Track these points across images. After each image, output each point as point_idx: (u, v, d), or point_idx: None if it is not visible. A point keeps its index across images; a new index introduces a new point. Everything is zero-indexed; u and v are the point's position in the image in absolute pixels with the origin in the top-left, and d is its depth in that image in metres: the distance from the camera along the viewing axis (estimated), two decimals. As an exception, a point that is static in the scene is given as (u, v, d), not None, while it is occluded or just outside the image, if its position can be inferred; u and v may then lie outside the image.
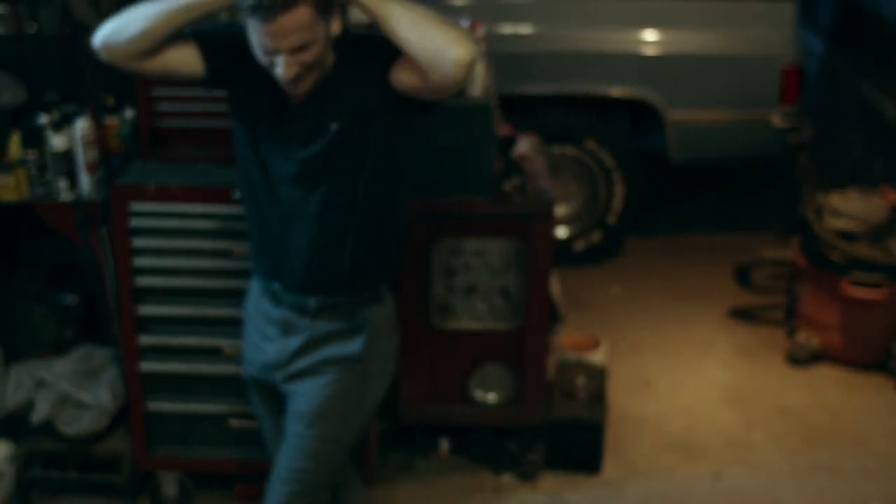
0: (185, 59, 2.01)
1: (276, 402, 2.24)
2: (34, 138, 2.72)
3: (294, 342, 2.14)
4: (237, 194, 2.45)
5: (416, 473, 3.02)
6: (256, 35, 1.87)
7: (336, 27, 1.94)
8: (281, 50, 1.85)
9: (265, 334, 2.19)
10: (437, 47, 1.86)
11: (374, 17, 1.92)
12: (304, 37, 1.85)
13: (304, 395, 2.14)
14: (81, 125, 2.70)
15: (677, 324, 3.89)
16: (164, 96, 2.71)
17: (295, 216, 2.06)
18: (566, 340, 3.30)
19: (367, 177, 2.03)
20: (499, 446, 3.04)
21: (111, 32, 1.99)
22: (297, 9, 1.81)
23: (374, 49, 1.99)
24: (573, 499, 2.94)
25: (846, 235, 3.54)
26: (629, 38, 4.00)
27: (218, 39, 2.02)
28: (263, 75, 1.95)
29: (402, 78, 1.95)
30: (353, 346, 2.13)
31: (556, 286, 3.13)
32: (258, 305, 2.21)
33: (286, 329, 2.15)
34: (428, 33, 1.86)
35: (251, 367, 2.26)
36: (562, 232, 4.22)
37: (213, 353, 2.72)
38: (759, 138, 4.05)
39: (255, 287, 2.24)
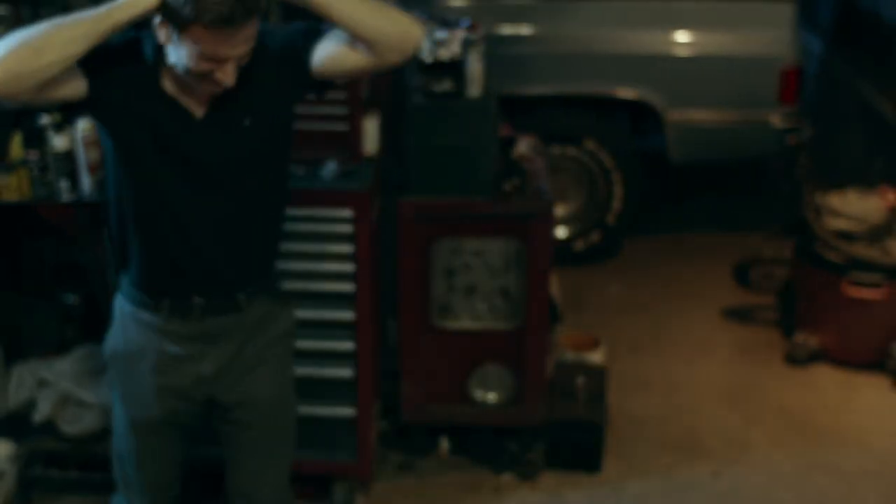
0: (75, 82, 1.87)
1: (180, 435, 2.20)
2: (36, 139, 2.71)
3: (231, 345, 2.08)
4: (110, 232, 2.13)
5: (415, 473, 3.03)
6: (202, 45, 1.80)
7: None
8: (231, 58, 1.84)
9: (176, 356, 2.07)
10: (400, 30, 1.92)
11: (321, 8, 1.90)
12: (251, 43, 1.86)
13: (260, 387, 2.13)
14: (83, 126, 2.69)
15: (677, 323, 3.90)
16: (165, 97, 2.72)
17: (209, 223, 1.99)
18: (566, 340, 3.31)
19: (276, 164, 2.06)
20: (499, 446, 3.04)
21: (17, 64, 1.75)
22: (253, 19, 1.82)
23: (280, 41, 1.99)
24: (573, 498, 2.94)
25: (845, 235, 3.55)
26: (629, 39, 4.00)
27: (97, 56, 1.86)
28: (153, 88, 1.91)
29: (344, 62, 1.96)
30: (284, 321, 2.17)
31: (555, 286, 3.14)
32: (142, 340, 2.08)
33: (206, 338, 2.07)
34: (387, 18, 1.91)
35: (148, 410, 2.12)
36: (561, 232, 4.23)
37: (213, 353, 2.73)
38: (758, 139, 4.06)
39: (128, 323, 2.09)
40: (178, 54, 1.85)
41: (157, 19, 1.84)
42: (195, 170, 1.96)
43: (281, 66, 1.98)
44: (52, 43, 1.77)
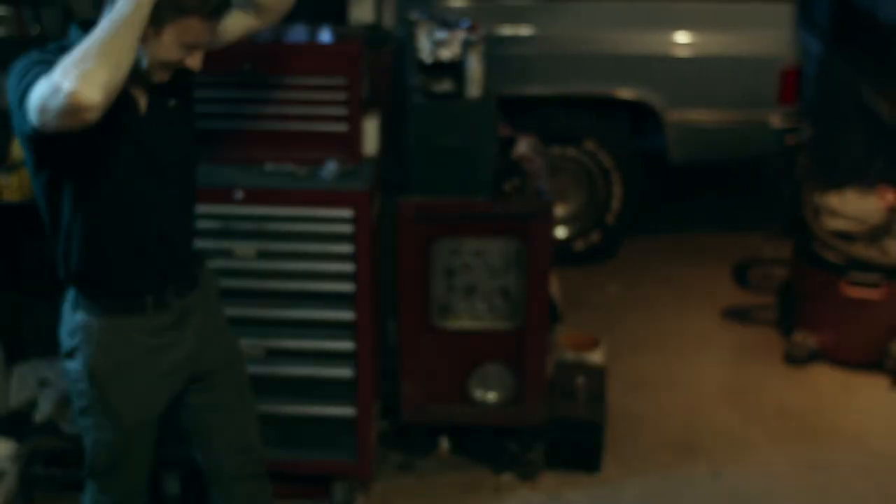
0: None
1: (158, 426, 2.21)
2: (37, 139, 2.74)
3: (198, 318, 2.15)
4: (67, 260, 2.08)
5: (415, 473, 3.03)
6: (193, 34, 1.90)
7: None
8: (204, 43, 1.95)
9: (162, 348, 2.11)
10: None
11: None
12: None
13: (227, 346, 2.26)
14: (84, 126, 2.72)
15: (676, 323, 3.91)
16: (166, 97, 2.73)
17: (168, 209, 2.06)
18: (565, 340, 3.32)
19: (193, 138, 2.14)
20: (499, 446, 3.04)
21: (109, 83, 1.74)
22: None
23: None
24: (573, 497, 2.95)
25: (844, 235, 3.56)
26: (629, 40, 4.01)
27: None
28: None
29: (233, 30, 2.18)
30: (213, 279, 2.29)
31: (555, 286, 3.15)
32: (126, 346, 2.07)
33: (182, 319, 2.12)
34: None
35: (147, 411, 2.14)
36: (561, 232, 4.24)
37: (214, 353, 2.74)
38: (757, 139, 4.07)
39: (105, 337, 2.06)
40: (149, 48, 1.89)
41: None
42: (152, 160, 2.01)
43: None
44: (121, 55, 1.77)
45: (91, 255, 2.03)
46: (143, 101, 1.99)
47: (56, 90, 1.71)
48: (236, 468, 2.30)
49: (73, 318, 2.11)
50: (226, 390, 2.25)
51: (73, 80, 1.70)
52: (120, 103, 1.87)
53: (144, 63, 1.91)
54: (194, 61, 1.96)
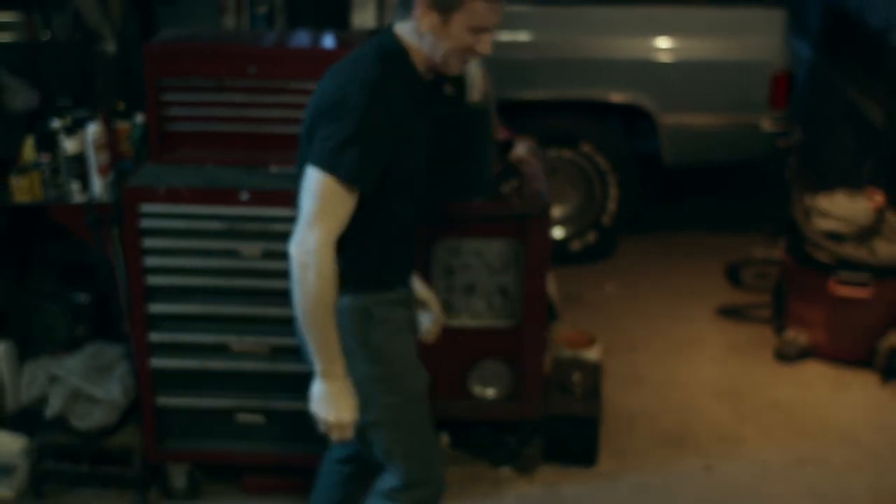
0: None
1: None
2: (48, 142, 2.77)
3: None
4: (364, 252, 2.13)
5: (416, 466, 3.08)
6: (481, 17, 1.96)
7: None
8: (492, 27, 1.99)
9: (412, 319, 2.28)
10: None
11: None
12: None
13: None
14: (93, 129, 2.75)
15: (670, 321, 3.94)
16: (174, 101, 2.74)
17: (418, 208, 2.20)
18: (562, 337, 3.32)
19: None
20: (497, 440, 3.07)
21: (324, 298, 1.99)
22: None
23: None
24: (569, 491, 2.98)
25: (834, 236, 3.58)
26: (624, 46, 4.05)
27: (369, 158, 1.97)
28: (404, 99, 2.02)
29: None
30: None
31: (552, 285, 3.19)
32: (400, 316, 2.18)
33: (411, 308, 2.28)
34: None
35: (423, 376, 2.23)
36: (558, 232, 4.27)
37: (221, 350, 2.77)
38: (749, 142, 4.11)
39: (385, 309, 2.15)
40: (440, 40, 1.98)
41: (419, 14, 1.97)
42: (425, 161, 2.15)
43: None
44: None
45: (374, 250, 2.11)
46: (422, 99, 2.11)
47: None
48: None
49: (354, 306, 2.11)
50: None
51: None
52: (419, 99, 2.05)
53: (439, 55, 2.00)
54: (484, 46, 2.00)
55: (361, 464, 2.37)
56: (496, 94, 3.04)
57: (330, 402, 2.05)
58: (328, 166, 1.95)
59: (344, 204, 1.97)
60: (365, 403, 2.12)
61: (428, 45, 2.02)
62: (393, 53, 2.04)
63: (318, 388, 2.06)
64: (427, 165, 2.17)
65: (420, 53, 2.05)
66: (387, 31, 2.08)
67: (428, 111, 2.13)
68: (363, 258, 2.09)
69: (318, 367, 2.05)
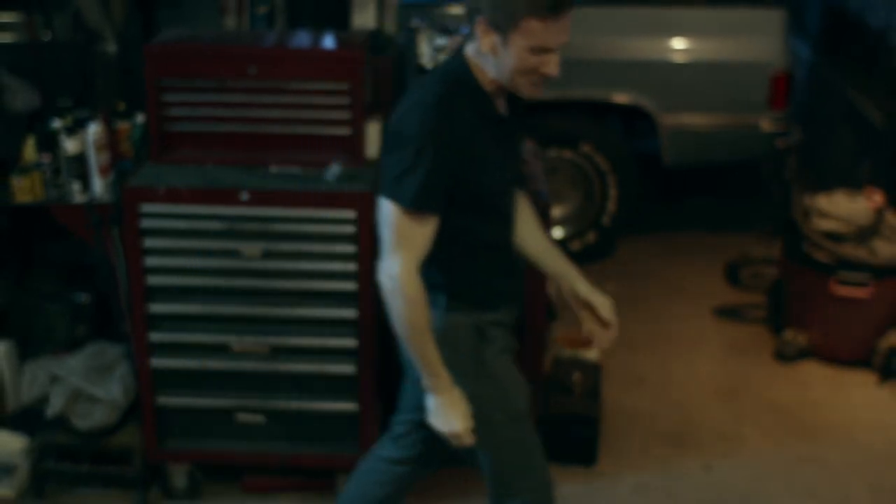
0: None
1: None
2: (48, 142, 2.78)
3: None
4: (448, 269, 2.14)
5: (416, 466, 3.09)
6: (537, 37, 1.90)
7: None
8: (556, 47, 1.93)
9: (510, 344, 2.24)
10: None
11: None
12: (569, 35, 1.97)
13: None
14: (94, 129, 2.76)
15: (669, 321, 3.95)
16: (174, 101, 2.75)
17: (512, 224, 2.20)
18: (562, 337, 3.32)
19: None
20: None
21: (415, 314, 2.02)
22: (572, 7, 1.92)
23: None
24: (569, 490, 2.98)
25: (833, 236, 3.59)
26: (624, 46, 4.06)
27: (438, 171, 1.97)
28: (471, 119, 2.00)
29: None
30: None
31: (552, 285, 3.19)
32: (499, 338, 2.19)
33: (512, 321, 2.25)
34: None
35: (525, 394, 2.24)
36: (558, 232, 4.29)
37: (221, 350, 2.77)
38: (749, 142, 4.12)
39: (483, 329, 2.16)
40: (502, 60, 1.94)
41: (479, 34, 1.94)
42: (511, 179, 2.14)
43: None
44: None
45: (459, 267, 2.12)
46: (499, 123, 2.09)
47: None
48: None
49: (447, 320, 2.13)
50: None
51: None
52: (497, 128, 2.04)
53: (506, 76, 1.96)
54: (550, 67, 1.95)
55: (419, 468, 2.37)
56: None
57: (442, 414, 2.10)
58: (392, 196, 1.98)
59: (417, 230, 1.99)
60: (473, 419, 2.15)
61: (492, 66, 1.98)
62: (459, 75, 2.02)
63: (429, 402, 2.11)
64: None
65: (486, 75, 2.02)
66: (457, 53, 2.06)
67: (504, 131, 2.09)
68: (465, 277, 2.12)
69: (424, 382, 2.10)
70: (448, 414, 2.10)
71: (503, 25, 1.91)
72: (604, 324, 2.30)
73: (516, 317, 2.26)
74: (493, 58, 1.96)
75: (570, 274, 2.30)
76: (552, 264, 2.30)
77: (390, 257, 2.01)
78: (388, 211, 2.00)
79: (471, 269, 2.13)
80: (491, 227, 2.13)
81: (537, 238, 2.30)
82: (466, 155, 1.99)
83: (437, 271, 2.09)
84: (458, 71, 2.03)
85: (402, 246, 1.99)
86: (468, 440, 2.12)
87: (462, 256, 2.11)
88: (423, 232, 2.00)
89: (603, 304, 2.29)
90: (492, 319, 2.17)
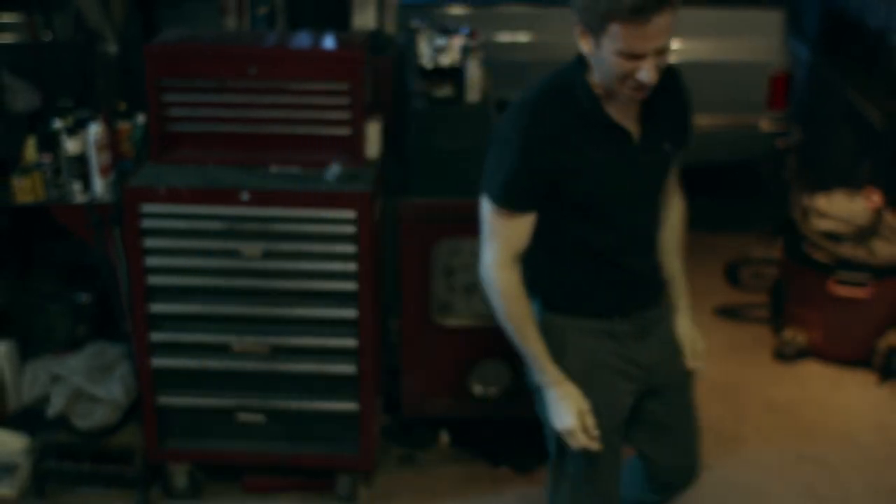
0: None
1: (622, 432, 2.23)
2: (49, 142, 2.79)
3: (656, 334, 2.17)
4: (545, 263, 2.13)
5: (416, 465, 3.07)
6: (623, 41, 1.82)
7: None
8: (647, 52, 1.84)
9: (626, 356, 2.14)
10: None
11: None
12: (668, 39, 1.86)
13: (678, 365, 2.25)
14: (95, 130, 2.77)
15: (669, 322, 3.97)
16: (174, 102, 2.76)
17: (637, 233, 2.11)
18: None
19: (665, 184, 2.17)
20: (497, 439, 3.09)
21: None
22: (667, 9, 1.82)
23: (671, 71, 2.06)
24: (568, 490, 3.02)
25: (832, 236, 3.59)
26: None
27: (531, 169, 1.96)
28: (595, 120, 1.96)
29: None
30: (665, 300, 2.28)
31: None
32: (598, 348, 2.12)
33: (646, 331, 2.15)
34: None
35: (618, 414, 2.15)
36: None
37: (222, 350, 2.78)
38: (748, 142, 4.13)
39: (578, 336, 2.12)
40: (599, 65, 1.89)
41: (578, 36, 1.90)
42: (632, 190, 2.04)
43: (683, 114, 2.14)
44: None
45: (560, 267, 2.11)
46: (636, 134, 2.01)
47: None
48: (673, 480, 2.34)
49: (546, 320, 2.12)
50: (674, 410, 2.26)
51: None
52: (611, 134, 1.97)
53: (607, 81, 1.91)
54: (643, 73, 1.85)
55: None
56: (496, 94, 3.06)
57: (553, 409, 2.08)
58: (485, 190, 2.02)
59: (508, 225, 2.00)
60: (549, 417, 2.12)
61: (595, 68, 1.93)
62: (569, 76, 1.98)
63: (544, 398, 2.10)
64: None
65: (594, 77, 1.96)
66: (579, 55, 2.02)
67: (617, 137, 1.99)
68: (559, 281, 2.11)
69: (535, 377, 2.10)
70: (559, 408, 2.06)
71: (594, 28, 1.86)
72: (692, 357, 2.28)
73: (640, 329, 2.13)
74: (593, 60, 1.92)
75: (679, 306, 2.28)
76: (671, 292, 2.27)
77: (485, 251, 2.04)
78: (483, 206, 2.03)
79: (569, 272, 2.09)
80: (597, 234, 2.04)
81: (666, 262, 2.25)
82: (559, 157, 1.95)
83: (538, 267, 2.09)
84: (570, 71, 1.98)
85: (494, 240, 2.02)
86: (579, 440, 2.05)
87: (562, 258, 2.08)
88: (514, 227, 2.00)
89: (692, 349, 2.27)
90: (583, 326, 2.10)
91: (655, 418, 2.25)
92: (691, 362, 2.27)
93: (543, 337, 2.09)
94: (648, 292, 2.18)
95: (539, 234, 2.04)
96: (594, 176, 1.99)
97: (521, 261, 2.06)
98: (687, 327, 2.29)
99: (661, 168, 2.11)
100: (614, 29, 1.82)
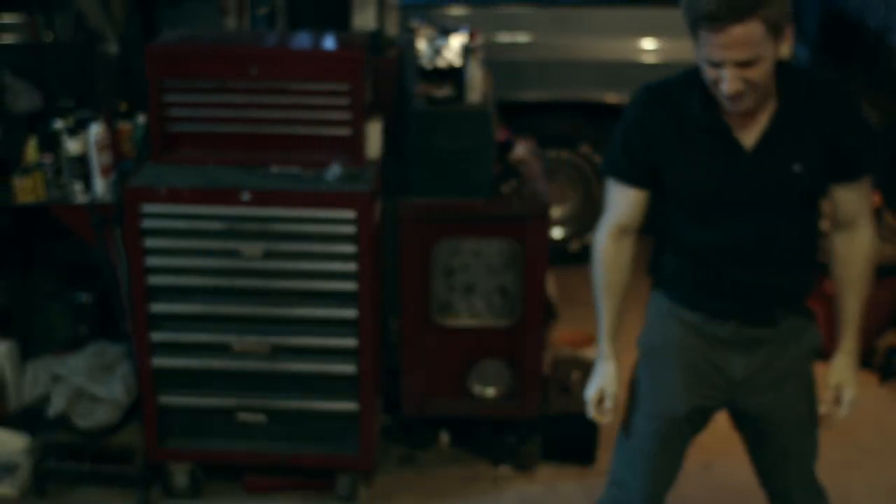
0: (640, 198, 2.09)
1: (688, 440, 2.24)
2: (50, 143, 2.80)
3: (761, 355, 2.11)
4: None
5: (417, 465, 3.08)
6: (703, 48, 1.82)
7: (784, 50, 1.87)
8: (725, 62, 1.80)
9: (710, 359, 2.10)
10: None
11: None
12: (750, 51, 1.79)
13: (786, 407, 2.20)
14: (95, 130, 2.78)
15: (669, 322, 3.98)
16: (175, 102, 2.76)
17: (747, 244, 2.03)
18: (561, 337, 3.34)
19: (812, 200, 2.08)
20: (497, 439, 3.09)
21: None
22: (749, 22, 1.76)
23: (852, 129, 1.97)
24: (568, 489, 2.99)
25: (832, 236, 3.63)
26: (623, 47, 4.08)
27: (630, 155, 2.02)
28: (667, 116, 1.96)
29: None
30: (812, 337, 2.30)
31: (551, 285, 3.21)
32: (681, 337, 2.10)
33: (747, 345, 2.09)
34: None
35: (675, 407, 2.13)
36: (557, 233, 4.30)
37: (222, 349, 2.78)
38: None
39: (668, 320, 2.13)
40: (701, 68, 1.88)
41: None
42: (735, 198, 1.97)
43: (841, 142, 1.96)
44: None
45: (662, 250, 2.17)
46: (749, 143, 1.95)
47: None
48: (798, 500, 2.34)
49: (652, 295, 2.21)
50: (767, 443, 2.25)
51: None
52: (718, 138, 1.94)
53: (710, 86, 1.89)
54: (725, 84, 1.82)
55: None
56: (496, 94, 3.06)
57: (590, 377, 2.19)
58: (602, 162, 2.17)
59: (614, 195, 2.11)
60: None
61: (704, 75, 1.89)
62: (693, 74, 1.94)
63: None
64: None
65: None
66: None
67: (722, 139, 1.94)
68: (664, 263, 2.16)
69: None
70: (592, 379, 2.18)
71: (692, 33, 1.86)
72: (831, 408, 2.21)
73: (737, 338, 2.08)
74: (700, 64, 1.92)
75: (840, 347, 2.25)
76: (839, 329, 2.23)
77: (601, 217, 2.14)
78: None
79: (671, 259, 2.13)
80: (695, 233, 2.04)
81: (839, 298, 2.24)
82: (654, 146, 2.00)
83: (655, 244, 2.18)
84: (697, 70, 1.93)
85: (607, 209, 2.14)
86: (593, 412, 2.17)
87: (667, 244, 2.14)
88: (619, 198, 2.09)
89: (835, 395, 2.24)
90: (679, 315, 2.11)
91: (749, 444, 2.31)
92: (825, 407, 2.19)
93: (647, 311, 2.19)
94: (756, 308, 2.08)
95: (654, 217, 2.13)
96: (690, 173, 2.00)
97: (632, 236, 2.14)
98: (840, 372, 2.21)
99: (785, 187, 1.97)
100: (702, 35, 1.84)
